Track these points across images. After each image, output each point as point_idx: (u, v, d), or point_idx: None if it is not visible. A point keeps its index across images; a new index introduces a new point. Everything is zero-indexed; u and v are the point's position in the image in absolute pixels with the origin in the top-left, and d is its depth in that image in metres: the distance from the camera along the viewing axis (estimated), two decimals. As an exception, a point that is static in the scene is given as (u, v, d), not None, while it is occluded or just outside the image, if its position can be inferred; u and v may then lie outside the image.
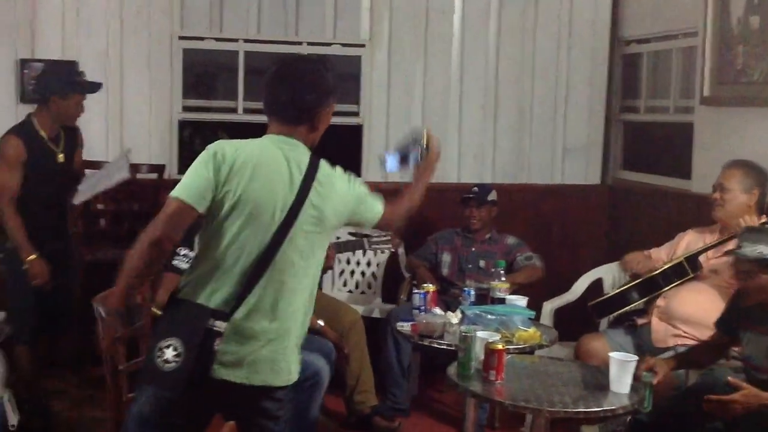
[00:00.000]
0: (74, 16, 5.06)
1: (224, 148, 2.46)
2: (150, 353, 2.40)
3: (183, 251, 3.60)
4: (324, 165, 2.54)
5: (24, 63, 5.00)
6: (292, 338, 2.52)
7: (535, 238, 5.23)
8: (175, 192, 2.42)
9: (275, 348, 2.47)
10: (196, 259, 2.51)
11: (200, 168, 2.43)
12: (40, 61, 4.92)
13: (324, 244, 2.58)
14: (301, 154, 2.51)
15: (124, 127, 5.18)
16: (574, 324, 4.43)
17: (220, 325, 2.38)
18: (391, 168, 3.03)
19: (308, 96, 2.51)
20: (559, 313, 4.65)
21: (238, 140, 2.52)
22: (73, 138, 4.24)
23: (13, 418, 3.80)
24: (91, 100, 4.88)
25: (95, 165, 4.87)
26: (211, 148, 2.48)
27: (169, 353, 2.35)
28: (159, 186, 5.06)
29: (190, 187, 2.42)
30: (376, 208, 2.68)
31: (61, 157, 4.11)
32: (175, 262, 3.58)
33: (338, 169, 2.59)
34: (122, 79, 5.15)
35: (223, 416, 2.75)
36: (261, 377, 2.47)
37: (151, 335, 2.52)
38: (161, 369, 2.35)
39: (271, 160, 2.47)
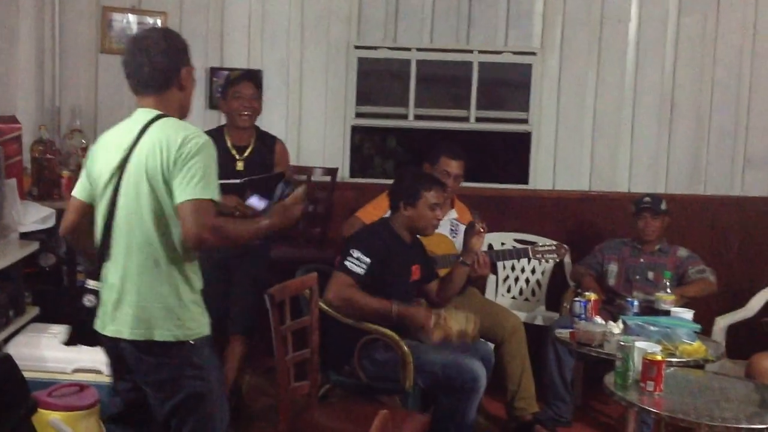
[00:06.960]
0: (259, 28, 5.35)
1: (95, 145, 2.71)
2: None
3: (356, 254, 3.68)
4: (160, 126, 2.55)
5: (213, 71, 5.30)
6: (137, 294, 2.55)
7: (709, 250, 5.10)
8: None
9: (128, 302, 2.56)
10: None
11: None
12: (228, 69, 5.21)
13: (159, 201, 2.52)
14: (139, 122, 2.59)
15: (302, 132, 5.42)
16: (747, 341, 4.26)
17: (90, 283, 2.64)
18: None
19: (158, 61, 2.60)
20: (733, 330, 4.48)
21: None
22: (265, 148, 4.29)
23: None
24: (272, 107, 5.17)
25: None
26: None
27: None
28: (332, 188, 5.27)
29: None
30: (183, 193, 2.46)
31: (240, 164, 4.20)
32: (347, 263, 3.68)
33: (182, 136, 2.51)
34: (301, 87, 5.40)
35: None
36: (125, 330, 2.57)
37: None
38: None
39: (118, 132, 2.64)
